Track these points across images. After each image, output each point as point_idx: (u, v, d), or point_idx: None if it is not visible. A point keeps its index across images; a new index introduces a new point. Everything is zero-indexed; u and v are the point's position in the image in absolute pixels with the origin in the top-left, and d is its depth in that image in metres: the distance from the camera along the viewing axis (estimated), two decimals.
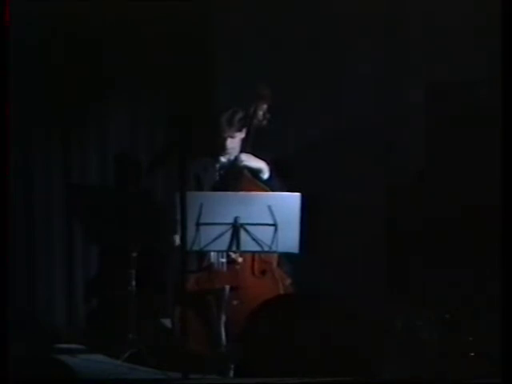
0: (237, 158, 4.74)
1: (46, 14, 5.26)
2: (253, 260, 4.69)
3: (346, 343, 4.11)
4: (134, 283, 5.01)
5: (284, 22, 5.39)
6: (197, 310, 4.60)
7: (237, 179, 4.69)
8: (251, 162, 4.73)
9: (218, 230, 4.34)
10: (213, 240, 4.35)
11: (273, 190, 4.59)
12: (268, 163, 4.75)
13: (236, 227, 4.33)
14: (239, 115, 4.78)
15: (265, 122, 4.79)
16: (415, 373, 4.52)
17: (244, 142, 4.81)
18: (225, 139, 4.80)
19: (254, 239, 4.34)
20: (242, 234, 4.34)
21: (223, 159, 4.87)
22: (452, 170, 5.16)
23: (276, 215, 4.30)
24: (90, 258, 5.57)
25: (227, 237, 4.35)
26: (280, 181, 4.75)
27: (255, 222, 4.32)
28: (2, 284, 3.89)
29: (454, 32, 5.22)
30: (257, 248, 4.37)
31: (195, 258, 4.72)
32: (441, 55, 5.24)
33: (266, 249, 4.35)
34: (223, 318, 4.52)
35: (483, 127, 5.09)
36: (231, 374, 4.38)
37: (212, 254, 4.66)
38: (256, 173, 4.73)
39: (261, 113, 4.77)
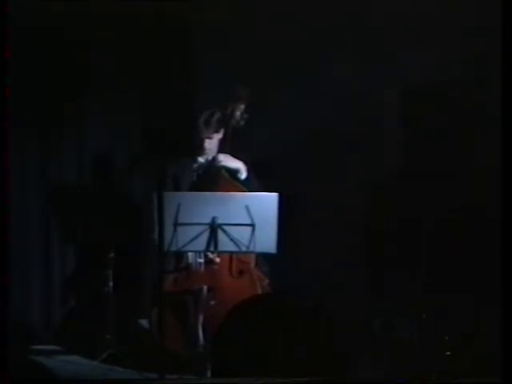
0: (214, 159, 4.75)
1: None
2: (230, 260, 4.69)
3: (325, 343, 4.11)
4: (111, 284, 5.00)
5: (261, 22, 5.40)
6: (174, 311, 4.60)
7: (214, 179, 4.69)
8: (229, 162, 4.74)
9: (195, 230, 4.34)
10: (190, 240, 4.35)
11: (250, 191, 4.60)
12: (246, 163, 4.76)
13: (214, 227, 4.34)
14: (217, 116, 4.79)
15: (242, 123, 4.80)
16: (392, 372, 4.56)
17: (222, 142, 4.82)
18: (202, 140, 4.81)
19: (231, 239, 4.35)
20: (220, 235, 4.34)
21: (201, 160, 4.88)
22: (429, 170, 5.19)
23: (254, 215, 4.31)
24: (67, 258, 5.55)
25: (205, 237, 4.35)
26: (258, 181, 4.76)
27: (233, 222, 4.32)
28: (2, 284, 3.87)
29: (435, 33, 5.25)
30: (234, 248, 4.38)
31: (173, 259, 4.72)
32: (417, 56, 5.27)
33: (244, 249, 4.36)
34: (201, 319, 4.53)
35: (463, 127, 5.15)
36: (208, 374, 4.38)
37: (190, 254, 4.66)
38: (234, 173, 4.74)
39: (238, 113, 4.78)
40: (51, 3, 5.22)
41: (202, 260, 4.65)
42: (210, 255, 4.61)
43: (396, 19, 5.26)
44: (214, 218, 4.33)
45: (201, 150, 4.84)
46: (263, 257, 4.69)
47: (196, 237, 4.35)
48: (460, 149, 5.13)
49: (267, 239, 4.32)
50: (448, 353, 4.72)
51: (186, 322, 4.62)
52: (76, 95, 5.49)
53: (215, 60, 5.45)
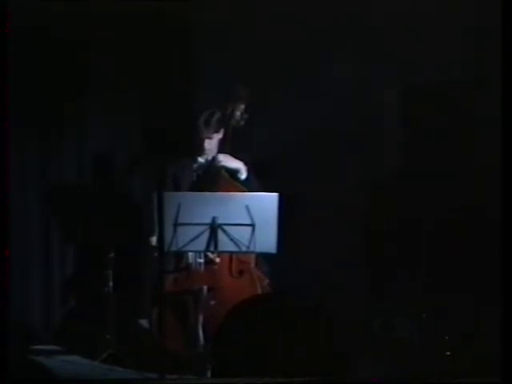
0: (215, 159, 4.75)
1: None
2: (230, 260, 4.69)
3: (325, 343, 4.11)
4: (111, 284, 5.00)
5: (261, 22, 5.41)
6: (174, 311, 4.60)
7: (214, 179, 4.69)
8: (229, 162, 4.74)
9: (195, 230, 4.34)
10: (191, 240, 4.35)
11: (250, 191, 4.60)
12: (246, 164, 4.76)
13: (214, 227, 4.33)
14: (217, 116, 4.79)
15: (242, 123, 4.80)
16: (392, 372, 4.56)
17: (222, 142, 4.82)
18: (202, 140, 4.81)
19: (231, 239, 4.34)
20: (220, 235, 4.34)
21: (201, 160, 4.88)
22: (429, 170, 5.19)
23: (254, 215, 4.31)
24: (67, 258, 5.55)
25: (205, 237, 4.35)
26: (257, 181, 4.76)
27: (233, 222, 4.32)
28: (2, 284, 3.86)
29: (435, 33, 5.25)
30: (234, 248, 4.38)
31: (173, 259, 4.72)
32: (417, 56, 5.27)
33: (244, 249, 4.36)
34: (201, 319, 4.53)
35: (463, 127, 5.15)
36: (208, 374, 4.38)
37: (190, 254, 4.66)
38: (234, 173, 4.75)
39: (238, 113, 4.78)
40: (51, 3, 5.22)
41: (201, 260, 4.65)
42: (210, 255, 4.61)
43: (396, 19, 5.26)
44: (214, 218, 4.33)
45: (201, 150, 4.84)
46: (263, 257, 4.69)
47: (196, 237, 4.35)
48: (460, 149, 5.13)
49: (267, 239, 4.32)
50: (448, 353, 4.72)
51: (186, 322, 4.61)
52: (76, 95, 5.49)
53: (215, 60, 5.45)
